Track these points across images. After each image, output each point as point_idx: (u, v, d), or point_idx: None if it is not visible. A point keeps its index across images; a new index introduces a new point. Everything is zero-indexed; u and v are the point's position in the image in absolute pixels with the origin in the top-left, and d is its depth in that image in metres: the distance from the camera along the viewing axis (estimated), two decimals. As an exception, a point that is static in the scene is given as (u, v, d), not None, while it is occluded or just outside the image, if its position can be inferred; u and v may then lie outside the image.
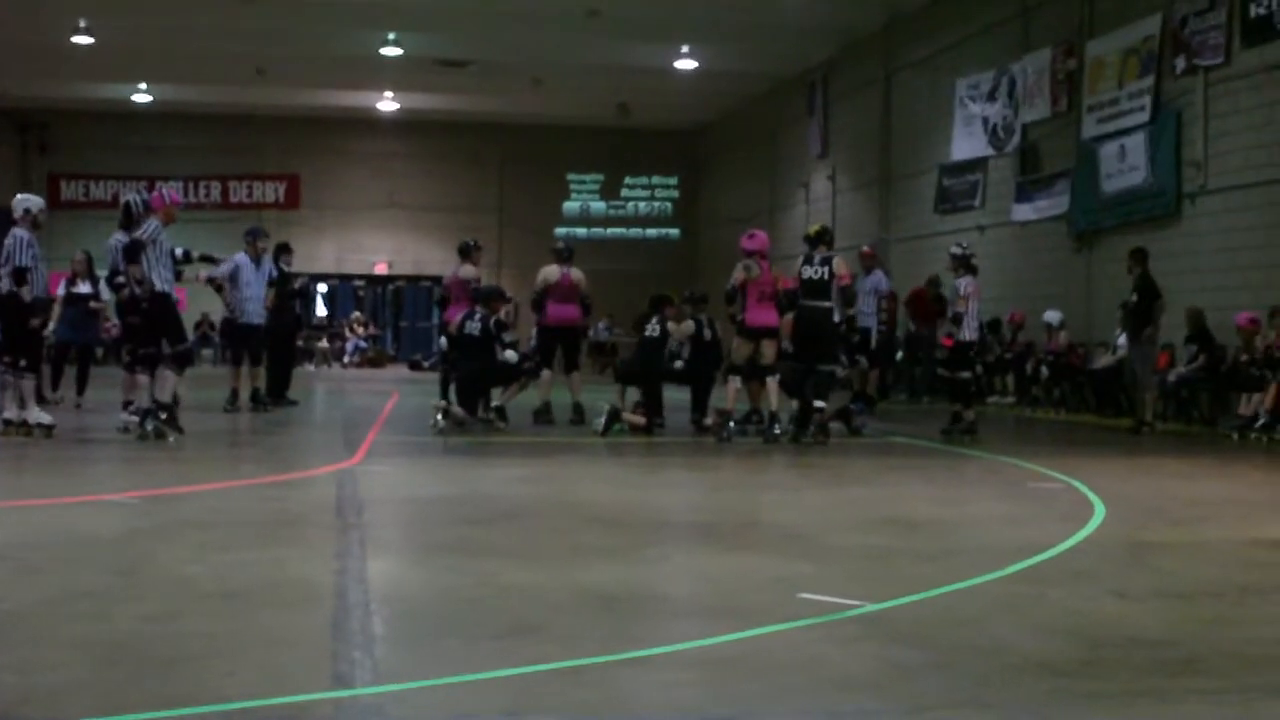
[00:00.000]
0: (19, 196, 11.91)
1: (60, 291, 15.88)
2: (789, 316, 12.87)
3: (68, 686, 3.88)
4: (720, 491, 9.55)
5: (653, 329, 13.75)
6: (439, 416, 12.95)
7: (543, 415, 14.21)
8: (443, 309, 15.21)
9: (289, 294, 16.54)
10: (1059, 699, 3.93)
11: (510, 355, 13.31)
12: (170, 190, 13.29)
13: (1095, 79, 18.29)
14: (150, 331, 11.68)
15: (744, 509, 8.60)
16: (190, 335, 15.66)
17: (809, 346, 12.76)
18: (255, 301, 15.30)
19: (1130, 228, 17.25)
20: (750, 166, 32.57)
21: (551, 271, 14.58)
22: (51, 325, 14.86)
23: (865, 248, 18.29)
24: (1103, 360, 17.09)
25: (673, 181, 37.69)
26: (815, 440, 12.38)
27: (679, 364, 13.64)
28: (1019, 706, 3.87)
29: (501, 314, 13.84)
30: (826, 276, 12.69)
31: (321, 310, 36.19)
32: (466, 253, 14.79)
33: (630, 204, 37.60)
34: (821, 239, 13.04)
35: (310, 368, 30.04)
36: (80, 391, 15.61)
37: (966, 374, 13.77)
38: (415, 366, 31.14)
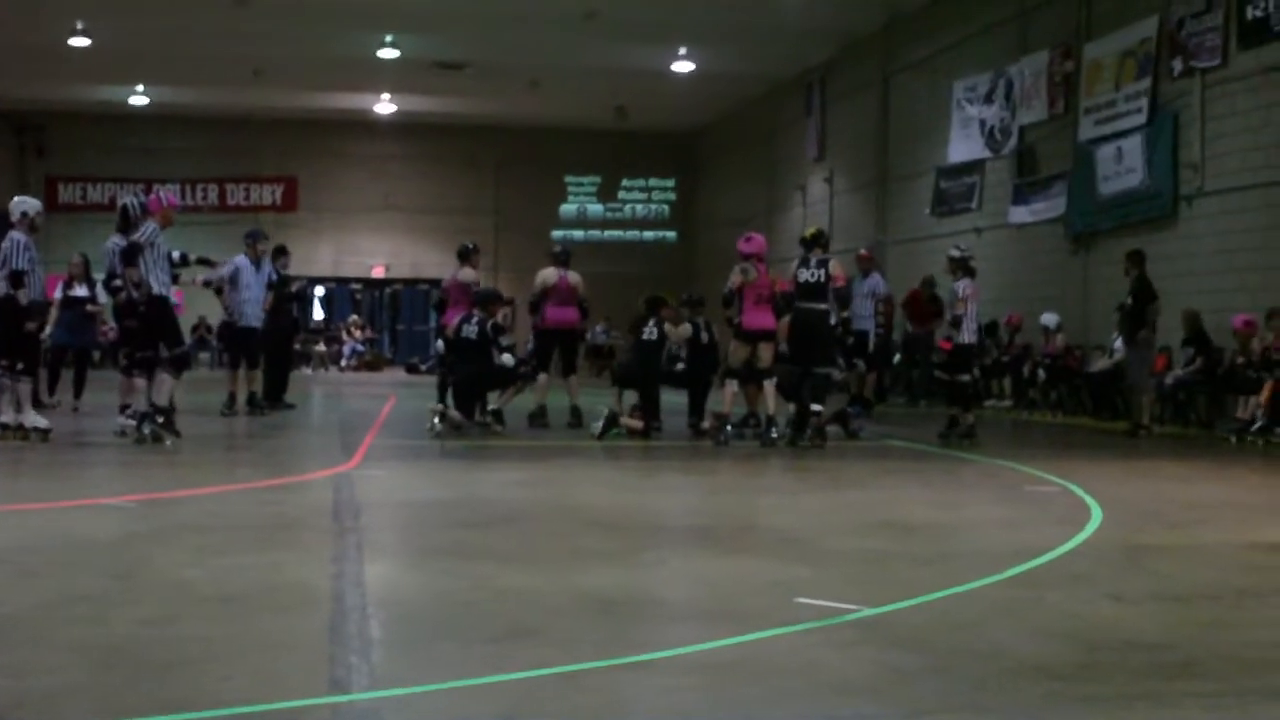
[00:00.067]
0: (16, 199, 11.89)
1: (57, 295, 15.86)
2: (786, 319, 12.87)
3: (64, 690, 3.88)
4: (717, 495, 9.54)
5: (650, 332, 13.74)
6: (436, 420, 12.94)
7: (538, 418, 14.20)
8: (441, 312, 15.20)
9: (286, 297, 16.53)
10: (1056, 702, 3.94)
11: (507, 359, 13.30)
12: (167, 193, 13.28)
13: (1092, 81, 18.31)
14: (147, 335, 11.67)
15: (741, 512, 8.60)
16: (187, 339, 15.62)
17: (805, 349, 12.76)
18: (254, 304, 15.28)
19: (1127, 230, 17.27)
20: (747, 169, 32.58)
21: (549, 274, 14.57)
22: (48, 329, 14.85)
23: (863, 250, 18.28)
24: (1100, 363, 17.09)
25: (670, 184, 37.72)
26: (812, 444, 12.38)
27: (680, 366, 13.63)
28: (1016, 710, 3.87)
29: (499, 317, 13.83)
30: (823, 279, 12.69)
31: (319, 313, 36.18)
32: (465, 256, 14.78)
33: (627, 206, 37.62)
34: (817, 241, 13.04)
35: (307, 371, 30.03)
36: (77, 395, 15.60)
37: (966, 377, 13.76)
38: (412, 370, 31.13)
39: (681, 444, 12.85)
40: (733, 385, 12.93)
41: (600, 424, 12.99)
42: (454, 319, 13.87)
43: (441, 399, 13.62)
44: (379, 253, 36.32)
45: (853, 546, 6.79)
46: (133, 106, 33.21)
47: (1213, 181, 15.97)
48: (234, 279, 15.21)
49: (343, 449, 11.64)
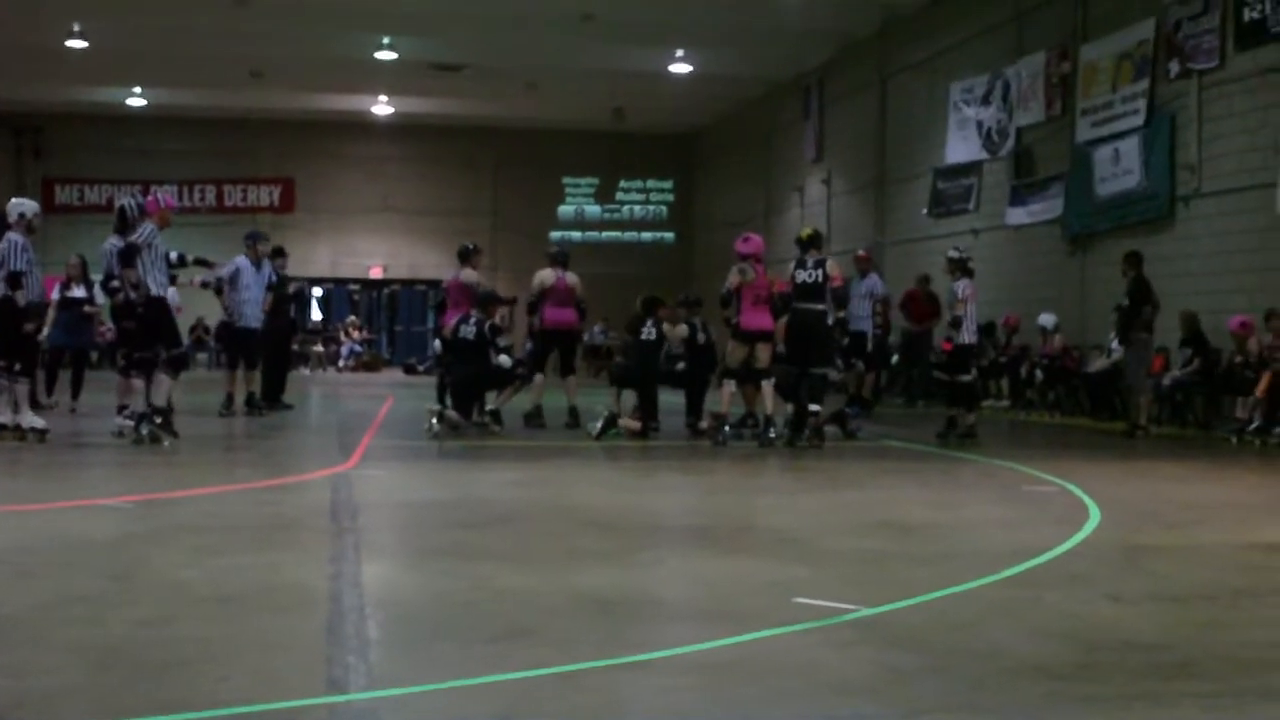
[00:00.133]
0: (13, 201, 11.88)
1: (55, 296, 15.84)
2: (783, 320, 12.87)
3: (62, 691, 3.88)
4: (715, 495, 9.54)
5: (648, 332, 13.74)
6: (434, 421, 12.94)
7: (533, 419, 14.20)
8: (441, 313, 15.19)
9: (284, 298, 16.52)
10: (1054, 702, 3.94)
11: (504, 360, 13.30)
12: (165, 194, 13.28)
13: (1089, 83, 18.33)
14: (145, 336, 11.67)
15: (739, 513, 8.60)
16: (185, 340, 15.61)
17: (802, 350, 12.76)
18: (253, 305, 15.27)
19: (1124, 231, 17.28)
20: (745, 170, 32.59)
21: (547, 276, 14.57)
22: (46, 330, 14.84)
23: (861, 251, 18.30)
24: (1097, 364, 17.10)
25: (668, 185, 37.72)
26: (810, 444, 12.38)
27: (680, 366, 13.62)
28: (1014, 710, 3.87)
29: (497, 318, 13.83)
30: (820, 280, 12.70)
31: (317, 314, 36.17)
32: (466, 256, 14.78)
33: (625, 207, 37.63)
34: (814, 243, 13.04)
35: (305, 371, 30.00)
36: (75, 396, 15.59)
37: (967, 377, 13.75)
38: (410, 370, 31.12)
39: (679, 444, 12.85)
40: (731, 385, 12.94)
41: (599, 424, 12.98)
42: (452, 319, 13.89)
43: (441, 400, 13.62)
44: (377, 254, 36.32)
45: (851, 546, 6.79)
46: (130, 108, 33.22)
47: (1210, 183, 15.97)
48: (234, 280, 15.21)
49: (340, 449, 11.64)
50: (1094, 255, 18.31)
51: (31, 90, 30.89)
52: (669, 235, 37.64)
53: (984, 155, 21.27)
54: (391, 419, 15.76)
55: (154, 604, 5.08)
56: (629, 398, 13.56)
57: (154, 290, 11.45)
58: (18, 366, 11.44)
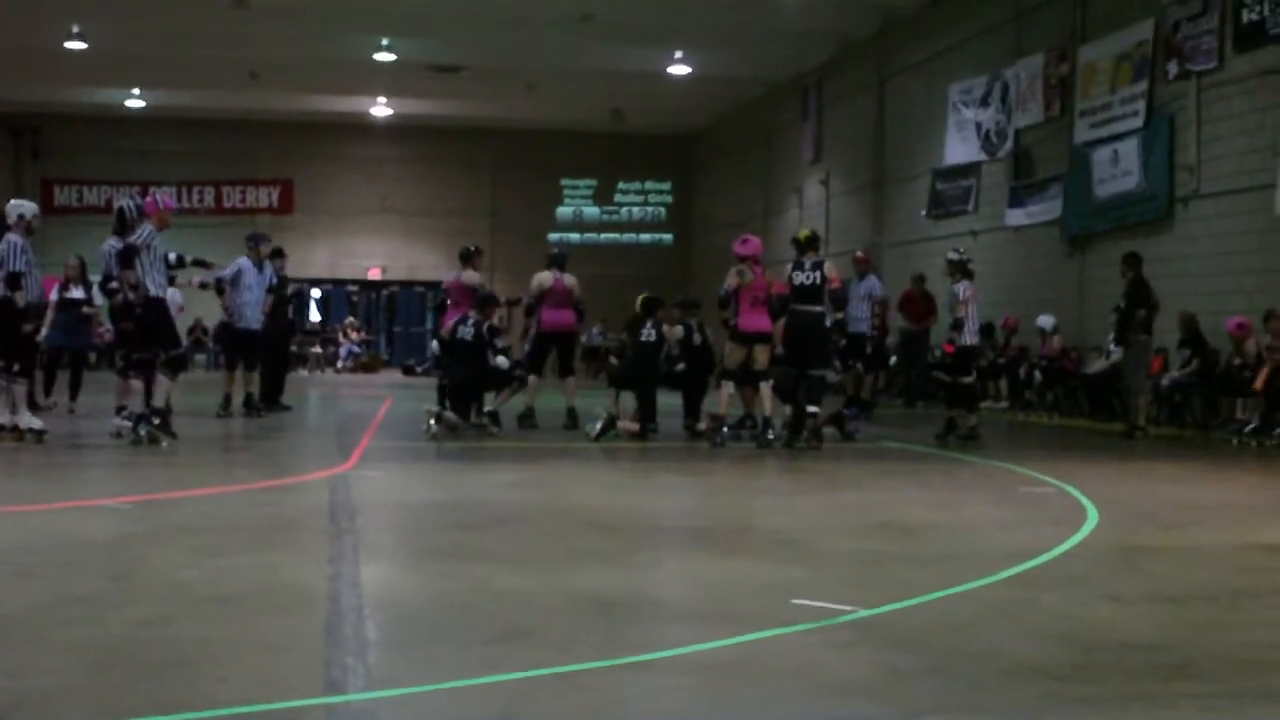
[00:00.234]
0: (12, 202, 11.88)
1: (53, 297, 15.84)
2: (782, 321, 12.87)
3: (61, 691, 3.88)
4: (714, 496, 9.54)
5: (648, 334, 13.75)
6: (432, 422, 12.93)
7: (526, 419, 14.20)
8: (442, 314, 15.19)
9: (283, 299, 16.52)
10: (1052, 703, 3.94)
11: (502, 361, 13.30)
12: (164, 195, 13.25)
13: (1088, 84, 18.33)
14: (144, 337, 11.67)
15: (737, 514, 8.60)
16: (183, 340, 15.61)
17: (800, 351, 12.76)
18: (254, 306, 15.27)
19: (1123, 232, 17.29)
20: (744, 171, 32.59)
21: (545, 278, 14.59)
22: (44, 330, 14.83)
23: (859, 252, 18.32)
24: (1096, 365, 17.10)
25: (666, 186, 37.73)
26: (809, 445, 12.38)
27: (680, 367, 13.61)
28: (1013, 711, 3.88)
29: (495, 319, 13.84)
30: (818, 281, 12.69)
31: (315, 315, 36.17)
32: (468, 258, 14.79)
33: (624, 209, 37.64)
34: (812, 244, 13.03)
35: (304, 373, 30.00)
36: (73, 397, 15.58)
37: (969, 379, 13.73)
38: (408, 371, 31.12)
39: (678, 445, 12.85)
40: (729, 387, 12.94)
41: (598, 426, 12.98)
42: (451, 320, 13.89)
43: (442, 402, 13.61)
44: (375, 255, 36.33)
45: (849, 547, 6.79)
46: (129, 109, 33.23)
47: (1208, 184, 15.98)
48: (235, 281, 15.21)
49: (339, 450, 11.64)
50: (1093, 256, 18.32)
51: (30, 91, 30.88)
52: (667, 237, 37.64)
53: (983, 156, 21.28)
54: (390, 420, 15.76)
55: (153, 604, 5.08)
56: (628, 399, 13.56)
57: (153, 291, 11.45)
58: (16, 367, 11.44)
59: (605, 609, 5.16)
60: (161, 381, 11.58)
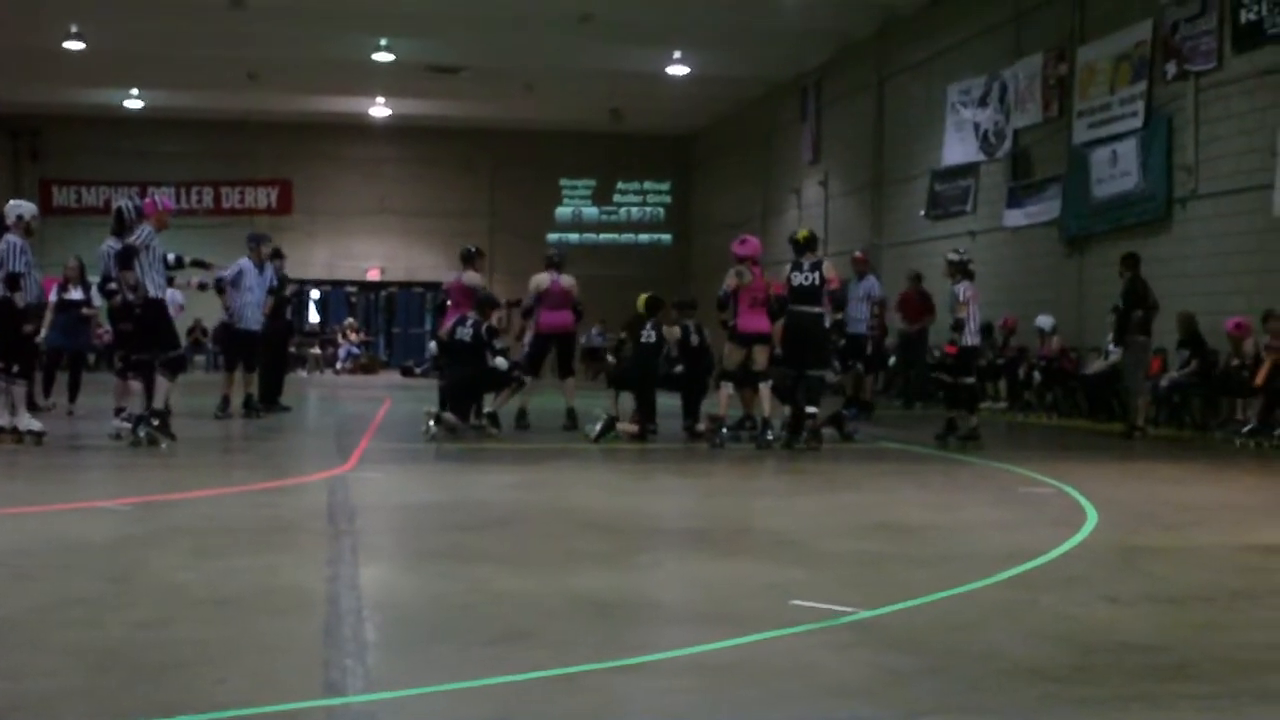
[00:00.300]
0: (11, 203, 11.88)
1: (52, 298, 15.83)
2: (780, 322, 12.87)
3: (60, 693, 3.88)
4: (713, 497, 9.55)
5: (648, 335, 13.75)
6: (431, 423, 12.93)
7: (519, 420, 14.21)
8: (442, 315, 15.18)
9: (283, 300, 16.52)
10: (1051, 704, 3.94)
11: (500, 362, 13.30)
12: (163, 196, 13.25)
13: (1087, 84, 18.34)
14: (143, 338, 11.67)
15: (736, 515, 8.60)
16: (183, 341, 15.61)
17: (799, 352, 12.75)
18: (254, 307, 15.26)
19: (1122, 233, 17.29)
20: (743, 171, 32.59)
21: (542, 279, 14.60)
22: (43, 332, 14.83)
23: (858, 253, 18.32)
24: (1095, 365, 17.11)
25: (665, 187, 37.73)
26: (808, 446, 12.38)
27: (678, 369, 13.61)
28: (1012, 712, 3.88)
29: (494, 320, 13.84)
30: (817, 282, 12.68)
31: (314, 316, 36.15)
32: (469, 259, 14.79)
33: (623, 209, 37.63)
34: (810, 245, 13.03)
35: (303, 374, 30.00)
36: (72, 398, 15.57)
37: (971, 379, 13.72)
38: (407, 373, 31.11)
39: (677, 446, 12.85)
40: (728, 388, 12.94)
41: (597, 427, 12.98)
42: (450, 321, 13.89)
43: (443, 404, 13.60)
44: (374, 255, 36.32)
45: (848, 548, 6.79)
46: (127, 110, 33.20)
47: (1207, 184, 15.98)
48: (236, 281, 15.20)
49: (338, 452, 11.64)
50: (1091, 257, 18.32)
51: (29, 92, 30.87)
52: (666, 237, 37.64)
53: (981, 157, 21.28)
54: (389, 421, 15.76)
55: (152, 606, 5.08)
56: (627, 400, 13.56)
57: (152, 292, 11.45)
58: (16, 368, 11.43)
59: (605, 610, 5.15)
60: (160, 383, 11.58)
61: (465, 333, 13.30)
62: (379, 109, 33.58)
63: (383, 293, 37.51)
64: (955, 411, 13.66)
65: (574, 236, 36.11)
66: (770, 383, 12.72)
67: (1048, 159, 19.56)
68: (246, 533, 7.02)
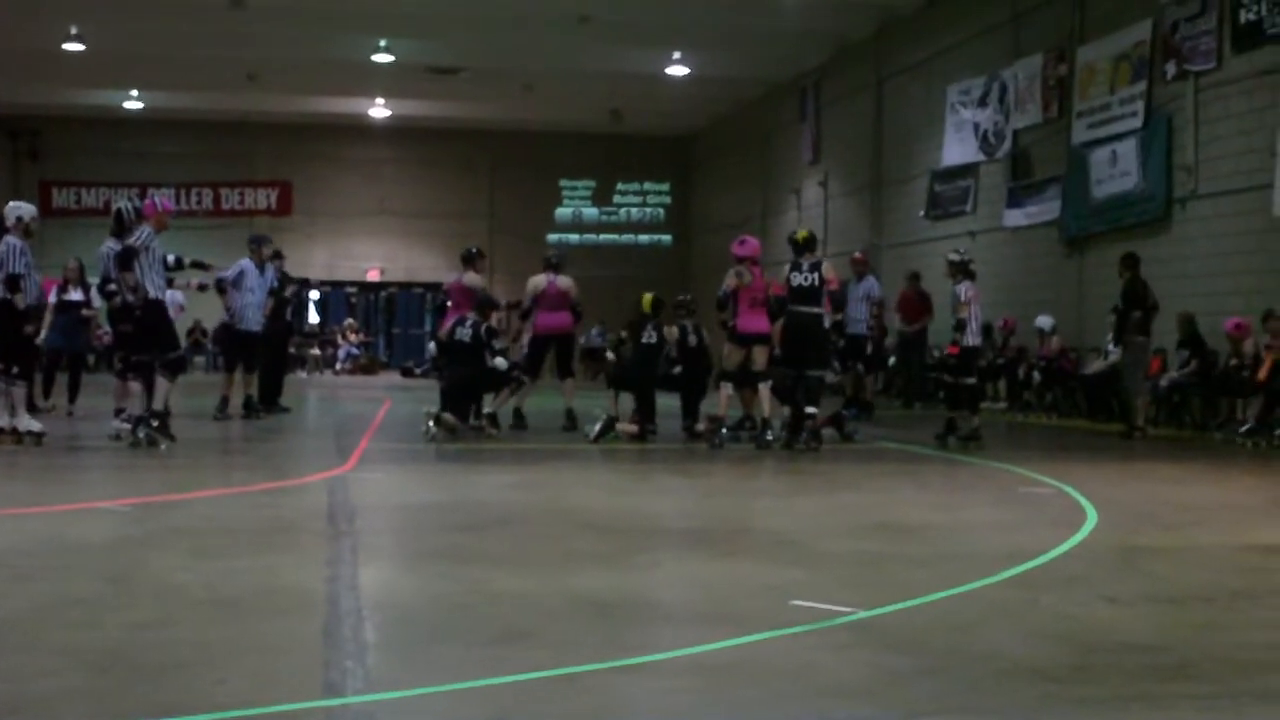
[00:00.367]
0: (11, 204, 11.89)
1: (52, 299, 15.83)
2: (780, 322, 12.87)
3: (59, 694, 3.88)
4: (712, 498, 9.55)
5: (649, 335, 13.75)
6: (431, 424, 12.93)
7: (515, 421, 14.21)
8: (442, 315, 15.19)
9: (283, 300, 16.52)
10: (1050, 704, 3.94)
11: (500, 362, 13.30)
12: (162, 197, 13.25)
13: (1086, 85, 18.34)
14: (143, 339, 11.67)
15: (736, 515, 8.60)
16: (182, 342, 15.61)
17: (798, 352, 12.75)
18: (255, 308, 15.26)
19: (1121, 233, 17.29)
20: (742, 172, 32.59)
21: (538, 281, 14.62)
22: (43, 333, 14.83)
23: (857, 254, 18.32)
24: (1095, 365, 17.11)
25: (665, 187, 37.74)
26: (807, 446, 12.38)
27: (677, 370, 13.61)
28: (1011, 712, 3.88)
29: (493, 321, 13.84)
30: (816, 282, 12.68)
31: (314, 317, 36.15)
32: (470, 260, 14.79)
33: (622, 210, 37.63)
34: (809, 245, 13.02)
35: (302, 374, 30.00)
36: (72, 399, 15.57)
37: (972, 380, 13.71)
38: (407, 373, 31.12)
39: (676, 447, 12.84)
40: (728, 388, 12.94)
41: (597, 427, 12.98)
42: (449, 322, 13.89)
43: (443, 405, 13.59)
44: (374, 256, 36.32)
45: (848, 549, 6.79)
46: (127, 111, 33.21)
47: (1207, 184, 15.99)
48: (237, 282, 15.21)
49: (338, 452, 11.64)
50: (1091, 257, 18.33)
51: (28, 93, 30.87)
52: (666, 238, 37.64)
53: (981, 157, 21.28)
54: (389, 422, 15.76)
55: (151, 607, 5.08)
56: (627, 400, 13.56)
57: (152, 293, 11.45)
58: (16, 370, 11.43)
59: (604, 610, 5.15)
60: (160, 384, 11.58)
61: (465, 333, 13.30)
62: (378, 110, 33.58)
63: (382, 293, 37.51)
64: (957, 412, 13.64)
65: (574, 237, 36.11)
66: (770, 383, 12.72)
67: (1047, 159, 19.57)
68: (246, 533, 7.02)
